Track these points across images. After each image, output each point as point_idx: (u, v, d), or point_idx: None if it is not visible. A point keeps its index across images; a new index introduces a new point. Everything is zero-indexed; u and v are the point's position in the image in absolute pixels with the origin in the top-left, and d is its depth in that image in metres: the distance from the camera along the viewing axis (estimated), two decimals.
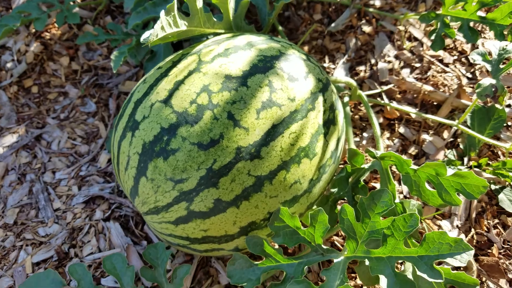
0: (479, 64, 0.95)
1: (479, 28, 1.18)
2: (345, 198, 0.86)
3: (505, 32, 0.93)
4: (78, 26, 1.28)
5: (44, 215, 0.98)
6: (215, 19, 0.78)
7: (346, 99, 1.00)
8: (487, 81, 0.92)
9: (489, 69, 0.94)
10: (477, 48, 1.14)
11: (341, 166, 1.00)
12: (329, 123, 0.75)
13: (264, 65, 0.71)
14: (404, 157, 1.03)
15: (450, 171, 0.93)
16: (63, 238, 0.94)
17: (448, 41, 1.18)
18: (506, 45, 0.95)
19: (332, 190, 0.84)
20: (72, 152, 1.09)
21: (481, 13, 0.97)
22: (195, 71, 0.70)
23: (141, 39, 0.66)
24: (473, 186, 0.73)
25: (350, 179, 0.86)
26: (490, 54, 0.96)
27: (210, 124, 0.65)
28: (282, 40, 0.79)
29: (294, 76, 0.72)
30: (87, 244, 0.94)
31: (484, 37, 1.16)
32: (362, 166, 0.86)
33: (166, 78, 0.71)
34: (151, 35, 0.64)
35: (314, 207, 0.86)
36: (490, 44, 0.96)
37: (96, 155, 1.08)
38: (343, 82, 0.92)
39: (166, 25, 0.66)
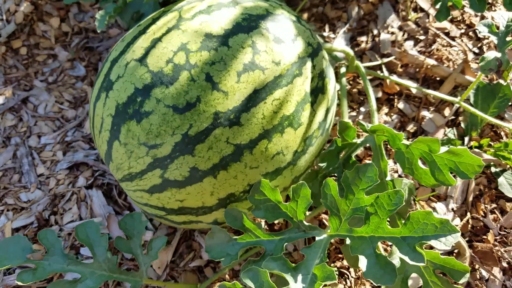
0: (485, 35, 0.89)
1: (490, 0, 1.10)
2: (335, 175, 0.82)
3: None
4: None
5: (27, 180, 0.96)
6: None
7: (343, 69, 0.95)
8: (492, 54, 0.85)
9: (496, 41, 0.87)
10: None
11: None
12: (317, 91, 0.70)
13: (248, 25, 0.66)
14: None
15: (444, 148, 0.89)
16: (45, 205, 0.92)
17: (456, 13, 1.11)
18: None
19: (321, 164, 0.80)
20: (59, 117, 1.06)
21: None
22: (174, 28, 0.65)
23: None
24: (467, 165, 0.69)
25: (341, 154, 0.82)
26: (497, 26, 0.90)
27: (186, 86, 0.61)
28: None
29: (280, 38, 0.67)
30: (68, 211, 0.91)
31: (495, 10, 1.09)
32: (354, 141, 0.81)
33: (144, 36, 0.67)
34: None
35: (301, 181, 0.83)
36: (498, 15, 0.89)
37: (82, 120, 1.05)
38: (339, 50, 0.87)
39: None
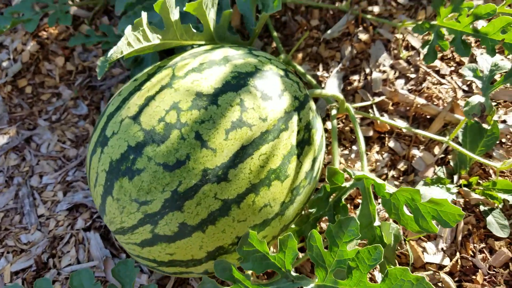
0: (470, 79, 0.92)
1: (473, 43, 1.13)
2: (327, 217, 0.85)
3: (497, 48, 0.89)
4: (75, 26, 1.27)
5: (28, 221, 1.00)
6: (194, 31, 0.76)
7: (334, 111, 0.98)
8: (476, 99, 0.88)
9: (480, 85, 0.90)
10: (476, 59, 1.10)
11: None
12: (303, 143, 0.73)
13: (237, 83, 0.69)
14: (392, 172, 1.01)
15: (428, 192, 0.91)
16: (44, 247, 0.95)
17: (446, 51, 1.13)
18: (499, 61, 0.91)
19: (311, 210, 0.82)
20: (61, 156, 1.10)
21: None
22: (167, 87, 0.69)
23: (108, 55, 0.65)
24: (449, 214, 0.71)
25: (332, 197, 0.85)
26: (482, 70, 0.92)
27: (177, 144, 0.64)
28: (261, 54, 0.77)
29: (267, 94, 0.70)
30: (66, 254, 0.94)
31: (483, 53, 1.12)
32: (344, 185, 0.84)
33: (139, 93, 0.70)
34: (114, 53, 0.63)
35: (292, 226, 0.85)
36: (482, 59, 0.92)
37: (83, 159, 1.09)
38: (329, 95, 0.90)
39: (134, 41, 0.65)
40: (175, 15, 0.70)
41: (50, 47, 1.26)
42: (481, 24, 1.09)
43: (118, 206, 0.67)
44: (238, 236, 0.69)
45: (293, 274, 0.68)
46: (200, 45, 0.83)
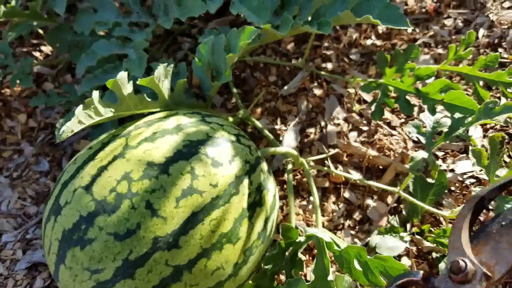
0: (414, 136, 0.98)
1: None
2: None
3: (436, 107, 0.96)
4: (38, 83, 1.30)
5: None
6: (149, 100, 0.80)
7: (290, 166, 1.02)
8: (420, 154, 0.94)
9: (423, 141, 0.96)
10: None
11: None
12: (255, 205, 0.76)
13: (188, 151, 0.72)
14: (348, 222, 1.05)
15: (383, 241, 0.94)
16: None
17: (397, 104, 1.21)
18: (440, 119, 0.97)
19: (266, 266, 0.85)
20: (21, 213, 1.10)
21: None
22: (120, 157, 0.71)
23: (57, 135, 0.67)
24: (395, 269, 0.75)
25: (288, 251, 0.87)
26: (425, 126, 0.99)
27: (127, 214, 0.66)
28: (214, 120, 0.81)
29: (218, 161, 0.73)
30: None
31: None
32: (298, 240, 0.87)
33: (92, 162, 0.72)
34: (64, 132, 0.65)
35: (250, 282, 0.87)
36: (425, 116, 0.99)
37: None
38: (282, 153, 0.94)
39: (85, 118, 0.68)
40: (127, 89, 0.73)
41: (13, 104, 1.27)
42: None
43: (71, 274, 0.68)
44: None
45: None
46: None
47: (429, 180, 0.94)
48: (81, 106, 0.68)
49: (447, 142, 0.91)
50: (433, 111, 0.95)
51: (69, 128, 0.67)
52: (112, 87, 0.70)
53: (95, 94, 0.69)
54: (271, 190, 0.82)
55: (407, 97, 1.02)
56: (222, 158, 0.74)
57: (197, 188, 0.70)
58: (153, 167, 0.70)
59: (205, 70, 0.87)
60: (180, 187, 0.69)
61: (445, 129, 0.95)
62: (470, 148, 0.90)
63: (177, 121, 0.77)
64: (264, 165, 0.83)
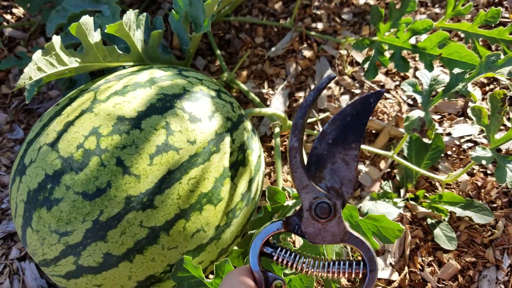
0: (410, 95, 0.92)
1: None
2: None
3: (434, 63, 0.91)
4: (11, 47, 1.22)
5: None
6: (120, 52, 0.73)
7: (277, 129, 0.97)
8: (415, 113, 0.89)
9: (420, 100, 0.91)
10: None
11: None
12: (237, 164, 0.70)
13: (163, 105, 0.66)
14: None
15: (375, 207, 0.90)
16: None
17: (391, 65, 1.15)
18: (438, 76, 0.92)
19: (251, 231, 0.80)
20: None
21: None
22: (87, 111, 0.65)
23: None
24: (388, 230, 0.70)
25: (275, 216, 0.82)
26: (421, 84, 0.93)
27: (96, 172, 0.61)
28: (192, 74, 0.75)
29: (196, 116, 0.67)
30: (0, 286, 0.88)
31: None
32: (286, 204, 0.82)
33: (58, 118, 0.66)
34: (21, 79, 0.59)
35: (235, 248, 0.82)
36: (421, 73, 0.93)
37: None
38: (269, 114, 0.88)
39: (46, 65, 0.61)
40: (94, 37, 0.66)
41: None
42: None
43: (39, 238, 0.62)
44: (170, 264, 0.65)
45: None
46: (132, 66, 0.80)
47: (426, 140, 0.89)
48: (39, 51, 0.61)
49: (445, 99, 0.85)
50: (430, 67, 0.89)
51: (26, 74, 0.60)
52: (76, 33, 0.63)
53: (56, 38, 0.62)
54: (256, 150, 0.76)
55: (402, 55, 0.96)
56: (200, 113, 0.68)
57: (173, 145, 0.64)
58: (124, 121, 0.64)
59: (182, 23, 0.80)
60: (154, 143, 0.63)
61: (443, 87, 0.90)
62: (470, 105, 0.85)
63: (150, 75, 0.71)
64: (248, 124, 0.77)
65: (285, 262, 0.50)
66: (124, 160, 0.61)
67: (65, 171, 0.61)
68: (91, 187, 0.60)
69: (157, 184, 0.62)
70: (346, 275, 0.49)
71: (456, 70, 0.86)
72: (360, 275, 0.50)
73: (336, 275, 0.49)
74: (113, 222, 0.60)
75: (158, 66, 0.75)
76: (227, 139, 0.70)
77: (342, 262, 0.49)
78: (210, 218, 0.67)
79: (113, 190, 0.60)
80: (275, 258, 0.51)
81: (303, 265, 0.49)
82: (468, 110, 0.85)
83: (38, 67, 0.60)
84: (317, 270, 0.49)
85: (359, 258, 0.48)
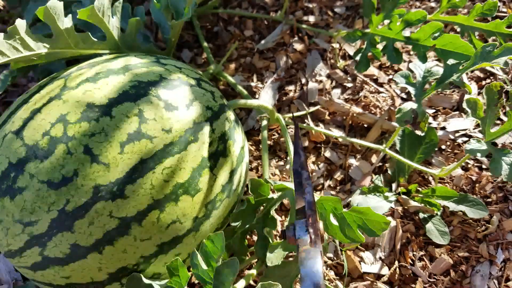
0: (403, 86, 0.89)
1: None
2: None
3: (428, 54, 0.87)
4: None
5: None
6: (95, 39, 0.70)
7: (265, 122, 0.94)
8: (408, 105, 0.85)
9: (413, 92, 0.88)
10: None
11: None
12: (217, 155, 0.67)
13: (136, 92, 0.63)
14: (329, 182, 0.97)
15: (365, 201, 0.87)
16: None
17: (384, 59, 1.11)
18: (432, 67, 0.89)
19: (234, 224, 0.76)
20: None
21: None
22: (55, 98, 0.62)
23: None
24: (374, 222, 0.67)
25: (261, 209, 0.79)
26: (415, 77, 0.90)
27: (62, 160, 0.58)
28: (170, 62, 0.72)
29: (173, 104, 0.64)
30: None
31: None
32: (271, 196, 0.78)
33: (26, 105, 0.64)
34: None
35: None
36: (415, 65, 0.90)
37: None
38: (255, 106, 0.85)
39: (9, 50, 0.58)
40: (65, 22, 0.64)
41: None
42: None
43: (2, 228, 0.60)
44: (144, 256, 0.62)
45: None
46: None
47: (418, 133, 0.85)
48: (2, 35, 0.58)
49: (439, 91, 0.82)
50: (424, 59, 0.86)
51: None
52: (44, 18, 0.60)
53: (20, 22, 0.60)
54: (238, 141, 0.73)
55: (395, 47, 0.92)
56: (177, 101, 0.65)
57: (146, 133, 0.61)
58: (94, 109, 0.61)
59: (163, 11, 0.78)
60: (126, 131, 0.60)
61: (437, 79, 0.87)
62: (465, 97, 0.82)
63: (125, 62, 0.68)
64: (231, 114, 0.74)
65: None
66: (93, 148, 0.58)
67: (29, 159, 0.58)
68: (56, 175, 0.57)
69: (128, 173, 0.59)
70: None
71: (451, 61, 0.83)
72: None
73: None
74: (80, 212, 0.57)
75: (135, 54, 0.72)
76: (206, 129, 0.67)
77: None
78: (187, 209, 0.63)
79: (80, 179, 0.57)
80: None
81: None
82: (464, 103, 0.82)
83: (1, 51, 0.58)
84: None
85: None
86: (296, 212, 0.67)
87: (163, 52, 0.84)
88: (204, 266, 0.59)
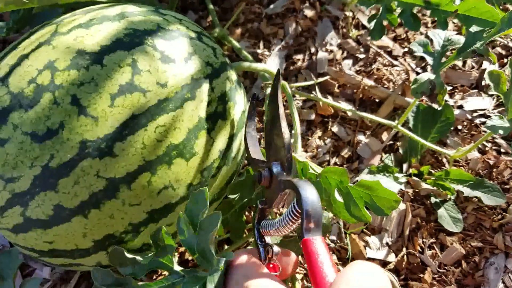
0: (420, 55, 0.83)
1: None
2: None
3: (449, 20, 0.81)
4: None
5: None
6: None
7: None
8: (425, 76, 0.79)
9: (430, 62, 0.81)
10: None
11: None
12: (216, 116, 0.62)
13: (131, 41, 0.57)
14: (335, 159, 0.91)
15: (373, 179, 0.82)
16: None
17: (399, 31, 1.05)
18: (452, 36, 0.82)
19: (232, 196, 0.71)
20: None
21: None
22: (45, 44, 0.57)
23: None
24: (383, 200, 0.61)
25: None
26: (433, 45, 0.83)
27: (48, 110, 0.52)
28: (170, 13, 0.66)
29: (169, 56, 0.59)
30: None
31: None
32: None
33: (14, 52, 0.58)
34: None
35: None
36: (434, 33, 0.83)
37: None
38: (259, 70, 0.79)
39: None
40: None
41: None
42: None
43: None
44: (132, 223, 0.57)
45: (179, 269, 0.57)
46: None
47: (435, 106, 0.79)
48: None
49: (457, 66, 0.76)
50: (444, 25, 0.79)
51: None
52: None
53: None
54: (240, 104, 0.67)
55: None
56: (175, 53, 0.59)
57: (139, 86, 0.55)
58: (84, 56, 0.55)
59: None
60: (117, 82, 0.55)
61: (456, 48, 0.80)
62: (487, 71, 0.75)
63: (122, 9, 0.62)
64: (233, 74, 0.68)
65: (266, 233, 0.56)
66: (81, 98, 0.53)
67: (13, 108, 0.53)
68: (41, 127, 0.52)
69: (118, 129, 0.54)
70: (293, 220, 0.49)
71: (474, 29, 0.76)
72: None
73: (289, 224, 0.50)
74: (65, 169, 0.52)
75: (134, 3, 0.66)
76: (205, 86, 0.61)
77: (288, 210, 0.49)
78: (181, 175, 0.58)
79: (66, 132, 0.52)
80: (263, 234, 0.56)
81: (273, 231, 0.53)
82: (486, 76, 0.75)
83: None
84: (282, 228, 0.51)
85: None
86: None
87: (166, 5, 0.77)
88: (191, 231, 0.54)
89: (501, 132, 0.72)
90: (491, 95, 0.96)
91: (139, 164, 0.55)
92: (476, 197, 0.83)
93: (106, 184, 0.54)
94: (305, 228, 0.45)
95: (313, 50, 1.02)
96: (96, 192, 0.54)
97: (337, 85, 0.97)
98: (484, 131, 0.92)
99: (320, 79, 0.96)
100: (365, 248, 0.81)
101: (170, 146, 0.57)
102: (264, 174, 0.56)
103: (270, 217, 0.58)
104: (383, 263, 0.80)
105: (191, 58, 0.61)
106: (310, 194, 0.46)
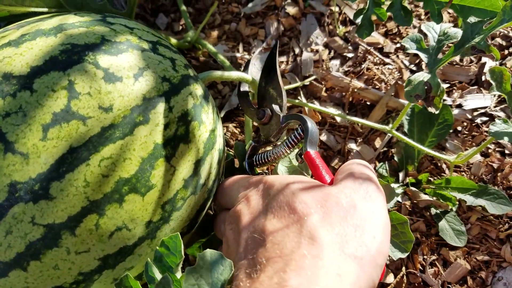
0: (414, 52, 0.74)
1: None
2: None
3: (444, 12, 0.72)
4: None
5: None
6: None
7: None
8: (419, 76, 0.70)
9: (425, 60, 0.72)
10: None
11: None
12: (176, 140, 0.53)
13: (67, 58, 0.49)
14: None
15: None
16: None
17: (391, 25, 0.96)
18: (448, 29, 0.73)
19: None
20: None
21: None
22: None
23: None
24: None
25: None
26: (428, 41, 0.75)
27: None
28: (119, 22, 0.57)
29: (115, 74, 0.50)
30: None
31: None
32: None
33: None
34: None
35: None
36: (427, 27, 0.74)
37: None
38: (234, 78, 0.70)
39: None
40: None
41: None
42: None
43: None
44: (83, 272, 0.49)
45: None
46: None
47: (431, 110, 0.71)
48: None
49: (455, 61, 0.67)
50: (438, 18, 0.70)
51: None
52: None
53: None
54: (207, 123, 0.59)
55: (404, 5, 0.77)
56: (122, 70, 0.51)
57: (77, 112, 0.47)
58: (11, 80, 0.47)
59: None
60: (50, 109, 0.46)
61: (455, 43, 0.71)
62: (488, 68, 0.67)
63: (60, 21, 0.54)
64: (198, 89, 0.59)
65: (260, 163, 0.64)
66: (7, 133, 0.45)
67: None
68: None
69: (53, 166, 0.45)
70: (296, 141, 0.58)
71: (472, 20, 0.67)
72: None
73: (290, 146, 0.59)
74: None
75: (77, 12, 0.57)
76: (161, 106, 0.52)
77: (289, 136, 0.59)
78: (136, 212, 0.50)
79: None
80: (255, 164, 0.65)
81: (270, 157, 0.63)
82: (487, 73, 0.67)
83: None
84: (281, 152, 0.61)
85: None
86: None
87: (122, 12, 0.69)
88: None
89: (506, 138, 0.63)
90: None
91: (82, 205, 0.47)
92: (480, 205, 0.75)
93: (45, 232, 0.46)
94: (308, 143, 0.55)
95: (297, 51, 0.93)
96: (34, 242, 0.45)
97: (324, 88, 0.89)
98: (487, 132, 0.83)
99: (304, 82, 0.87)
100: None
101: (119, 181, 0.48)
102: (266, 112, 0.63)
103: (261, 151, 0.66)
104: (381, 285, 0.73)
105: (142, 74, 0.52)
106: (311, 122, 0.56)
